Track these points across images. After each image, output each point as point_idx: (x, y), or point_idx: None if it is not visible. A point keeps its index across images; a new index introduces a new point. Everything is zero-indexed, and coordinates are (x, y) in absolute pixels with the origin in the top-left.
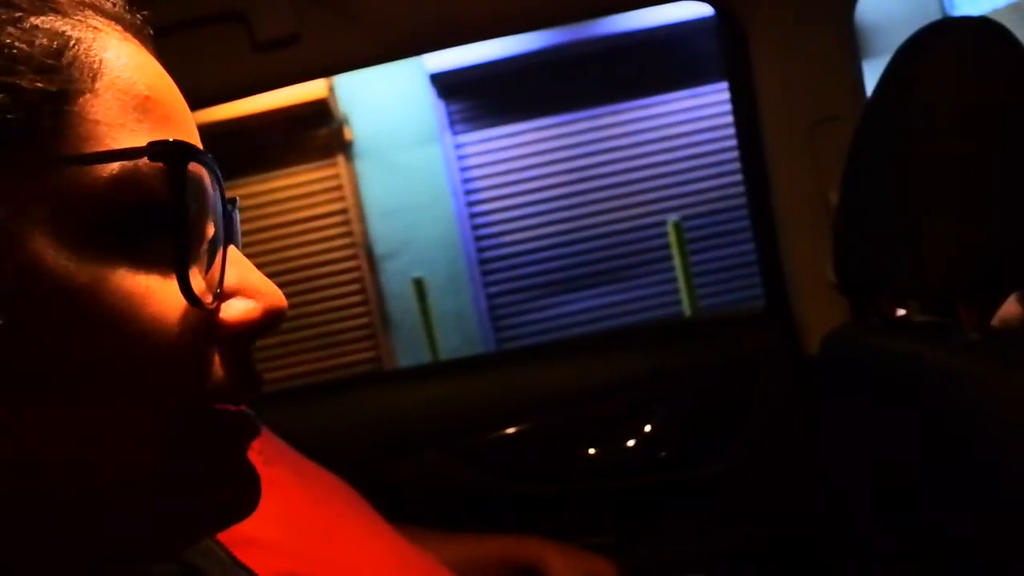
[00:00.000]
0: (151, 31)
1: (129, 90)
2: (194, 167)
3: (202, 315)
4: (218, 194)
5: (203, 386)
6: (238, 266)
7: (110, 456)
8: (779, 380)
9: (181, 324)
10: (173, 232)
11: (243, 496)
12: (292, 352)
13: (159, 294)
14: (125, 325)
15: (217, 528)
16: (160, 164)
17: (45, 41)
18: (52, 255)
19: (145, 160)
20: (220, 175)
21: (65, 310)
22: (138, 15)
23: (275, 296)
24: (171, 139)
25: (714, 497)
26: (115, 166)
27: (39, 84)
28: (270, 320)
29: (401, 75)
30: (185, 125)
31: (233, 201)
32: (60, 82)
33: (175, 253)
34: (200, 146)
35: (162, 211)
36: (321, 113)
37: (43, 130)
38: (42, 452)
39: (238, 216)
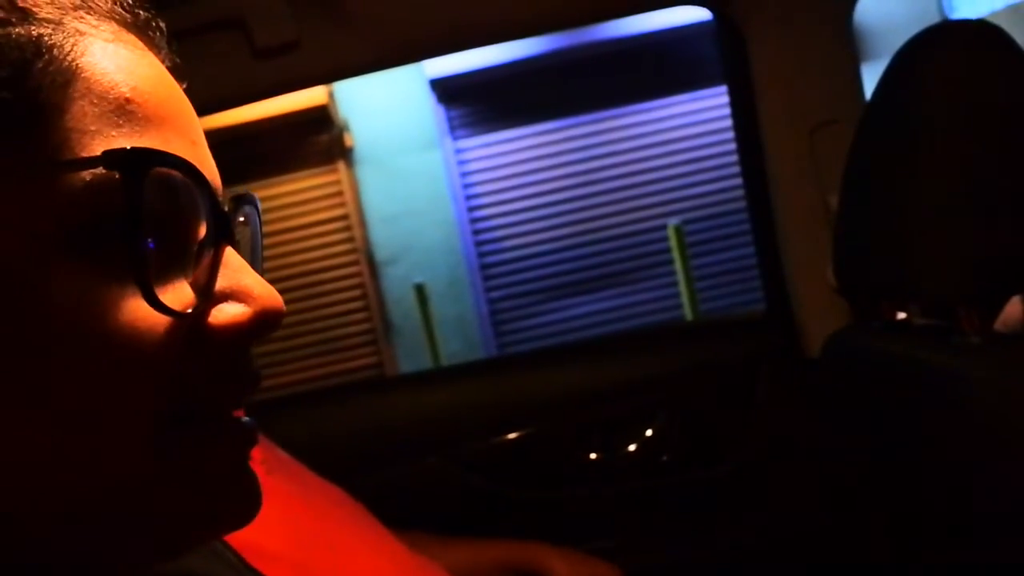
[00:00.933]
0: (159, 25)
1: (107, 94)
2: (162, 172)
3: (181, 322)
4: (205, 196)
5: (189, 393)
6: (231, 268)
7: (96, 464)
8: (780, 383)
9: (156, 332)
10: (129, 241)
11: (241, 502)
12: (294, 358)
13: (132, 302)
14: (98, 335)
15: (216, 533)
16: (116, 173)
17: (12, 50)
18: (22, 263)
19: (101, 169)
20: (201, 176)
21: (36, 320)
22: (140, 11)
23: (269, 299)
24: (128, 147)
25: (716, 500)
26: (85, 175)
27: (5, 95)
28: (262, 325)
29: (401, 81)
30: (176, 124)
31: (240, 199)
32: (27, 93)
33: (134, 262)
34: (199, 145)
35: (123, 219)
36: (321, 119)
37: (10, 141)
38: (22, 457)
39: (257, 217)
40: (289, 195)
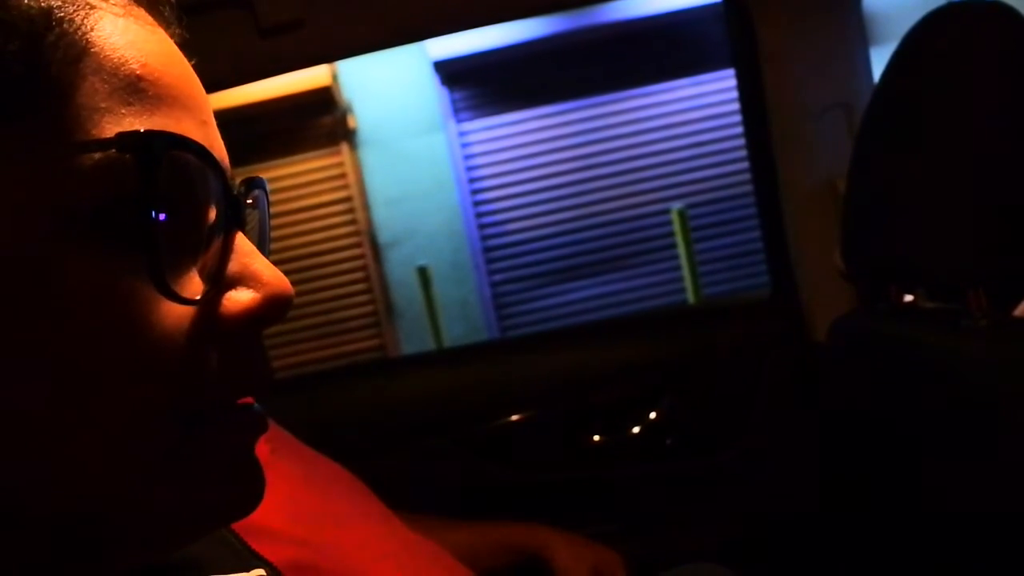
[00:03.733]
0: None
1: (118, 70)
2: (175, 155)
3: (194, 308)
4: (217, 180)
5: (199, 381)
6: (241, 253)
7: (105, 452)
8: (785, 367)
9: (166, 320)
10: (140, 227)
11: (246, 492)
12: (296, 340)
13: (142, 289)
14: (106, 322)
15: (220, 523)
16: (129, 155)
17: (23, 22)
18: (30, 246)
19: (113, 151)
20: (215, 159)
21: (43, 305)
22: None
23: (278, 285)
24: (142, 129)
25: (719, 484)
26: (96, 156)
27: (14, 69)
28: (272, 310)
29: (405, 63)
30: (187, 103)
31: (249, 182)
32: (37, 68)
33: (145, 248)
34: (209, 124)
35: (136, 203)
36: (325, 101)
37: (19, 119)
38: (32, 445)
39: (266, 200)
40: (292, 177)
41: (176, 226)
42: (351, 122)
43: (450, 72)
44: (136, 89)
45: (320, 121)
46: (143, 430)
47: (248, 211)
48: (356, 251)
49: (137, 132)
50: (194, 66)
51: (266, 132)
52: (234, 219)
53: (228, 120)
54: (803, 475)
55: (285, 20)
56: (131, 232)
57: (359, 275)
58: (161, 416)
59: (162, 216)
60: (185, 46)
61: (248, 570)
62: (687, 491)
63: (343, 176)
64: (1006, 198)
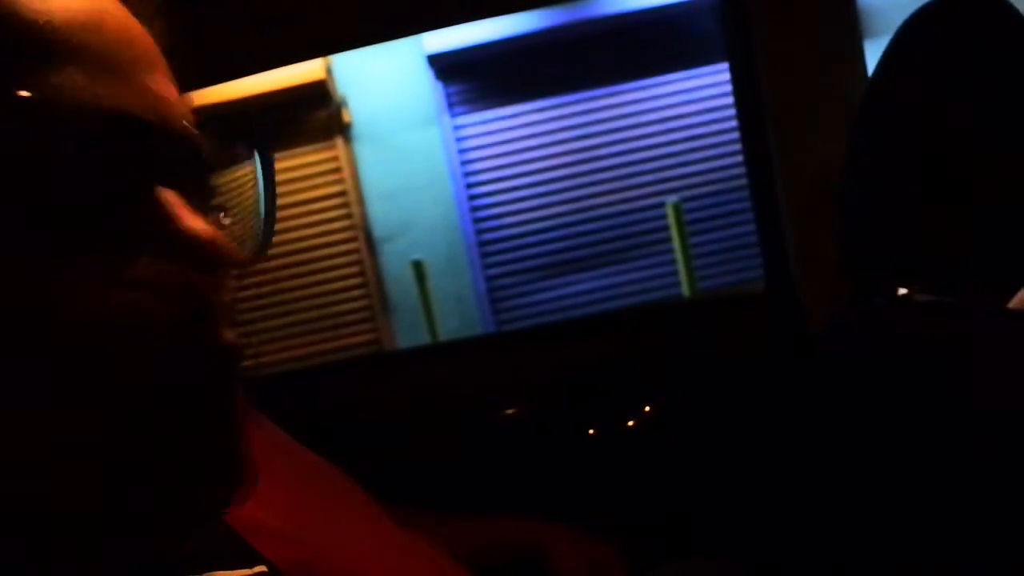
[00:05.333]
0: None
1: (12, 21)
2: (87, 118)
3: (146, 289)
4: (138, 135)
5: (173, 359)
6: (172, 216)
7: (94, 448)
8: (781, 360)
9: (114, 301)
10: (36, 203)
11: (237, 482)
12: (291, 335)
13: (92, 274)
14: (58, 311)
15: (212, 515)
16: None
17: None
18: None
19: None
20: (138, 120)
21: None
22: None
23: (212, 242)
24: (33, 95)
25: (715, 479)
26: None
27: None
28: (214, 266)
29: (399, 57)
30: (105, 52)
31: (235, 155)
32: None
33: (48, 226)
34: (150, 85)
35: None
36: (319, 95)
37: None
38: (27, 444)
39: (261, 168)
40: (287, 171)
41: (90, 195)
42: (346, 116)
43: (445, 66)
44: (37, 43)
45: (315, 115)
46: (124, 421)
47: (241, 184)
48: (351, 245)
49: (25, 97)
50: (188, 60)
51: (261, 126)
52: (167, 176)
53: (223, 114)
54: (800, 468)
55: (280, 13)
56: (31, 211)
57: (354, 269)
58: (141, 403)
59: (61, 188)
60: (175, 37)
61: (251, 567)
62: (683, 485)
63: (338, 170)
64: (1001, 191)
